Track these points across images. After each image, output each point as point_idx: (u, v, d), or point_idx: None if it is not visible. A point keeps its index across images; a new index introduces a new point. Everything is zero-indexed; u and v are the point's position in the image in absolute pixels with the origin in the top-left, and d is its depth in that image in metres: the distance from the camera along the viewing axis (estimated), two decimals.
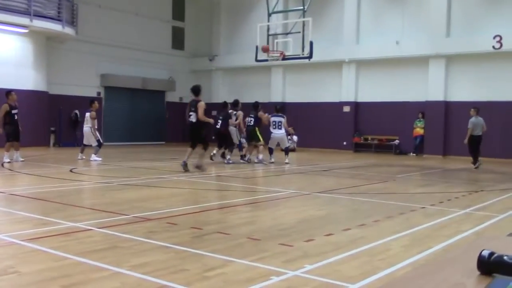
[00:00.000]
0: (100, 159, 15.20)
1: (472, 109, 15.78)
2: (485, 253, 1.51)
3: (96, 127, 15.51)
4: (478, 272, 1.50)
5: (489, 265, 1.48)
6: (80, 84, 23.21)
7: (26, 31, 19.80)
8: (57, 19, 20.55)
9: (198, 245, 5.06)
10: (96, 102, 15.90)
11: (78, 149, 16.23)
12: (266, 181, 11.84)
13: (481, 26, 19.90)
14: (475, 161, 15.72)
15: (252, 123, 15.67)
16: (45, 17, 20.00)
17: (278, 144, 16.45)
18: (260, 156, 15.76)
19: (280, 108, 16.80)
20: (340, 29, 23.34)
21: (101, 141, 15.76)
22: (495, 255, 1.50)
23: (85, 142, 15.57)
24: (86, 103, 16.24)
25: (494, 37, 19.18)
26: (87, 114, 15.52)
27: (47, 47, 21.60)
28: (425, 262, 4.32)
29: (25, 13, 19.35)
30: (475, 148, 15.68)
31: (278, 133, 15.97)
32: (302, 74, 24.70)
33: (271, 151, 16.11)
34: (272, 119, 16.02)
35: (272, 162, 15.52)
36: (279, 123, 15.93)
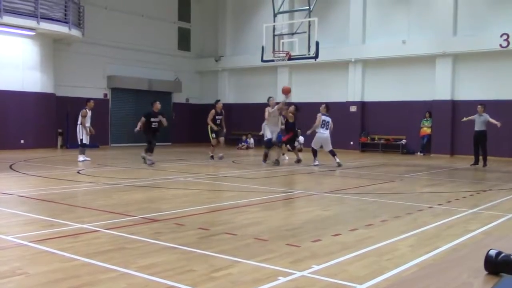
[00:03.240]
0: (88, 159, 15.15)
1: (480, 106, 15.98)
2: (492, 252, 1.50)
3: (87, 125, 15.24)
4: (485, 272, 1.49)
5: (496, 265, 1.48)
6: (87, 86, 23.30)
7: (33, 33, 19.91)
8: (63, 21, 20.65)
9: (205, 246, 5.07)
10: (91, 101, 15.66)
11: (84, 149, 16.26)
12: (273, 181, 11.83)
13: (488, 25, 19.80)
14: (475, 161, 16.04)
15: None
16: (52, 20, 20.10)
17: (321, 146, 15.34)
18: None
19: (328, 107, 15.69)
20: (346, 28, 23.29)
21: (84, 141, 15.32)
22: (503, 254, 1.49)
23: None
24: (93, 105, 16.21)
25: (501, 36, 19.07)
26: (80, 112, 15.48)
27: (54, 49, 21.72)
28: (433, 262, 4.30)
29: (32, 15, 19.46)
30: (475, 145, 16.04)
31: (325, 134, 15.08)
32: (308, 74, 24.67)
33: (315, 152, 15.25)
34: (322, 118, 15.14)
35: (317, 165, 14.82)
36: (327, 123, 15.11)
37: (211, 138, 16.65)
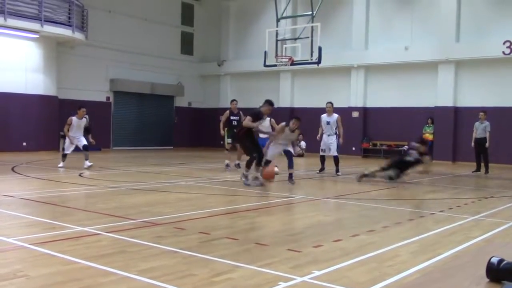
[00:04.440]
0: (61, 166, 14.06)
1: (482, 113, 15.93)
2: (494, 260, 1.49)
3: (69, 134, 14.10)
4: (487, 279, 1.49)
5: (498, 272, 1.47)
6: (90, 89, 23.38)
7: (37, 36, 19.99)
8: (67, 24, 20.71)
9: (206, 250, 5.06)
10: (82, 109, 14.26)
11: (87, 154, 16.14)
12: (274, 186, 11.82)
13: (490, 32, 19.82)
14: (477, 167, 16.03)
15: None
16: (55, 23, 20.17)
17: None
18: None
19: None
20: (349, 34, 23.33)
21: (64, 151, 14.52)
22: (505, 262, 1.48)
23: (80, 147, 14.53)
24: (96, 108, 16.16)
25: (504, 43, 19.10)
26: None
27: (57, 52, 21.78)
28: (434, 269, 4.29)
29: (36, 18, 19.53)
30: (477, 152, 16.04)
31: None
32: (311, 79, 24.69)
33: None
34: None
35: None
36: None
37: (225, 143, 14.78)
